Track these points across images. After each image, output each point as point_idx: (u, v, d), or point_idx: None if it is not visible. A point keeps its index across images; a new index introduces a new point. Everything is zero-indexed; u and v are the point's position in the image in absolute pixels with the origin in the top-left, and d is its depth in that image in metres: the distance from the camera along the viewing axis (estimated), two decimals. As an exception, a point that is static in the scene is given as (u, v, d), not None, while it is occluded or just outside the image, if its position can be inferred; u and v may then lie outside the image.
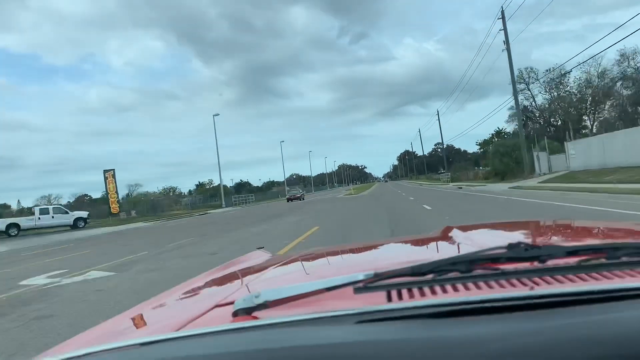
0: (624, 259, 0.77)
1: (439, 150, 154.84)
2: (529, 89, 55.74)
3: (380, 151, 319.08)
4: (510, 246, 0.82)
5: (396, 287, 0.80)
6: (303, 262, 1.47)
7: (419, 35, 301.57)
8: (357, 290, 0.76)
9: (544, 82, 52.14)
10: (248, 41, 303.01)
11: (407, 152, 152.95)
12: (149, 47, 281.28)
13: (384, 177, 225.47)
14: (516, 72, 39.11)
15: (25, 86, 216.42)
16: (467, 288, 0.79)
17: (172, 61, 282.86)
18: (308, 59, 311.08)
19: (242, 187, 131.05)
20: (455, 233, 1.58)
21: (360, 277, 0.79)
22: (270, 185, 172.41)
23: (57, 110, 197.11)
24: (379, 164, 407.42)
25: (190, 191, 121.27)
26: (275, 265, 1.41)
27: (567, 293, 0.66)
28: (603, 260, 0.78)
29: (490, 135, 70.81)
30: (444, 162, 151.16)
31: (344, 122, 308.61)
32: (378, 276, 0.79)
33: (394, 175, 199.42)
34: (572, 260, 0.80)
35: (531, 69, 54.69)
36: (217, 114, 55.81)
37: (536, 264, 0.81)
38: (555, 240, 1.34)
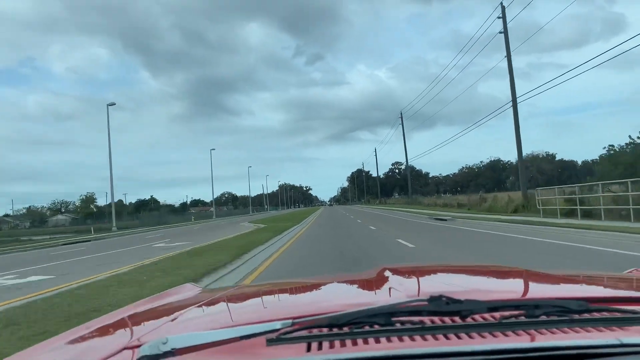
0: (543, 317, 0.80)
1: (397, 171, 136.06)
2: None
3: (327, 175, 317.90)
4: (432, 299, 0.82)
5: (312, 339, 0.78)
6: (228, 302, 1.44)
7: (372, 62, 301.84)
8: (270, 342, 0.75)
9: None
10: (200, 55, 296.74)
11: (359, 172, 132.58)
12: (93, 54, 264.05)
13: (330, 201, 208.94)
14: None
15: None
16: (389, 340, 0.78)
17: (118, 70, 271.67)
18: (261, 77, 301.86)
19: (145, 206, 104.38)
20: (389, 275, 1.56)
21: (277, 325, 0.79)
22: (195, 203, 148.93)
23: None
24: (326, 188, 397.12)
25: (66, 207, 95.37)
26: (199, 304, 1.36)
27: (485, 351, 0.67)
28: (522, 319, 0.80)
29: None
30: (402, 184, 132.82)
31: (294, 144, 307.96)
32: (295, 325, 0.78)
33: (342, 199, 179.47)
34: (493, 317, 0.83)
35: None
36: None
37: (457, 319, 0.82)
38: (484, 292, 1.31)
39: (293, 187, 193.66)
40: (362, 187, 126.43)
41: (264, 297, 1.57)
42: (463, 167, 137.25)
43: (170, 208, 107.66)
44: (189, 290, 1.80)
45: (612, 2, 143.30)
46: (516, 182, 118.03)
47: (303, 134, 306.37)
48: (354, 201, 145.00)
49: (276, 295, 1.59)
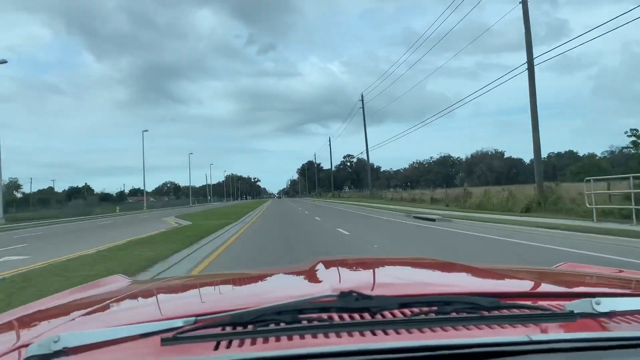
0: (454, 314, 0.81)
1: (349, 164, 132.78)
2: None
3: (277, 167, 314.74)
4: (342, 295, 0.80)
5: (210, 338, 0.75)
6: (145, 296, 1.42)
7: (325, 55, 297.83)
8: (164, 342, 0.72)
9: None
10: (148, 39, 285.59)
11: (310, 164, 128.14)
12: (33, 34, 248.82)
13: (278, 193, 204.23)
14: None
15: None
16: (290, 339, 0.76)
17: (60, 52, 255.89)
18: (211, 65, 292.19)
19: (77, 195, 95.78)
20: (319, 269, 1.56)
21: (179, 323, 0.77)
22: (134, 193, 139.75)
23: None
24: (276, 180, 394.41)
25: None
26: (116, 298, 1.33)
27: (390, 349, 0.67)
28: (433, 316, 0.80)
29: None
30: (353, 178, 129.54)
31: (244, 134, 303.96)
32: (198, 323, 0.76)
33: (291, 191, 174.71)
34: (403, 313, 0.83)
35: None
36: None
37: (367, 315, 0.81)
38: (401, 286, 1.32)
39: (240, 178, 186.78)
40: (314, 179, 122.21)
41: (183, 291, 1.55)
42: (414, 162, 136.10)
43: (102, 197, 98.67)
44: (117, 282, 1.80)
45: (556, 8, 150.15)
46: (466, 178, 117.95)
47: (253, 125, 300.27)
48: (304, 194, 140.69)
49: (196, 289, 1.57)
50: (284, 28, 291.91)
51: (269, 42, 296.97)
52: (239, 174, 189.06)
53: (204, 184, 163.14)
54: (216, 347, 0.75)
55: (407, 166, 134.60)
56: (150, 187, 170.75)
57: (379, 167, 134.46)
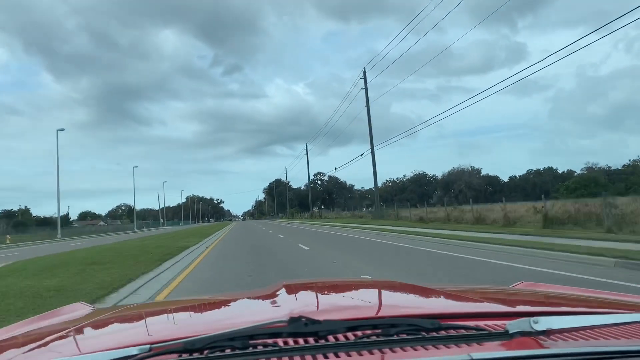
0: (397, 336, 0.84)
1: (319, 182, 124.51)
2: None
3: (242, 189, 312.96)
4: (292, 320, 0.83)
5: None
6: (104, 324, 1.43)
7: (290, 76, 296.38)
8: None
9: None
10: (109, 59, 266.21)
11: (278, 182, 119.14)
12: None
13: (243, 215, 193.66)
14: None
15: None
16: None
17: (17, 72, 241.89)
18: (175, 86, 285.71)
19: (10, 218, 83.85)
20: (280, 293, 1.58)
21: (134, 351, 0.78)
22: (84, 216, 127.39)
23: None
24: (240, 202, 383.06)
25: None
26: (75, 327, 1.34)
27: None
28: (378, 338, 0.84)
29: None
30: (324, 197, 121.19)
31: (208, 156, 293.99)
32: (153, 351, 0.78)
33: (257, 213, 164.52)
34: (351, 336, 0.86)
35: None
36: None
37: (317, 339, 0.85)
38: (350, 309, 1.37)
39: (201, 199, 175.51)
40: (281, 199, 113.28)
41: (142, 319, 1.55)
42: (386, 181, 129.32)
43: (41, 221, 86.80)
44: (79, 309, 1.79)
45: (515, 32, 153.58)
46: (443, 196, 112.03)
47: (217, 146, 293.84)
48: (272, 215, 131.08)
49: (156, 316, 1.60)
50: (249, 49, 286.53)
51: (234, 63, 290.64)
52: (200, 195, 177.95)
53: (167, 205, 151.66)
54: None
55: (379, 185, 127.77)
56: (103, 210, 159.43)
57: (352, 186, 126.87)
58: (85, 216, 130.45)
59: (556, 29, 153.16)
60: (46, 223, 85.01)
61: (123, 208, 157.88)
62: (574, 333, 0.89)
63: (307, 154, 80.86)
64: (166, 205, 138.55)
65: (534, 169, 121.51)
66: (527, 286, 1.85)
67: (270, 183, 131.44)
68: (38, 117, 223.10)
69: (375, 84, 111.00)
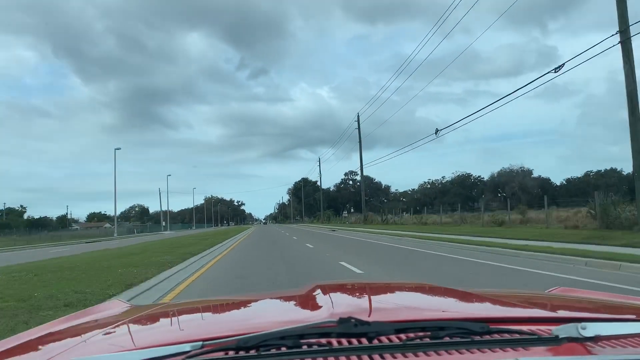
0: (447, 339, 0.85)
1: (351, 182, 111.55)
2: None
3: (265, 193, 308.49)
4: (341, 321, 0.85)
5: None
6: (149, 321, 1.45)
7: (315, 80, 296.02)
8: None
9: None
10: (136, 63, 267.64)
11: (305, 182, 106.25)
12: (18, 55, 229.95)
13: (265, 219, 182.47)
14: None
15: None
16: None
17: (46, 75, 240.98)
18: (201, 89, 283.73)
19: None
20: (317, 294, 1.59)
21: (187, 348, 0.80)
22: (92, 217, 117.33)
23: None
24: (263, 205, 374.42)
25: None
26: (118, 323, 1.36)
27: None
28: (427, 340, 0.84)
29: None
30: (356, 199, 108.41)
31: (232, 160, 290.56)
32: (205, 347, 0.80)
33: (280, 216, 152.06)
34: (399, 338, 0.86)
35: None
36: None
37: (365, 340, 0.85)
38: (396, 311, 1.38)
39: (221, 200, 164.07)
40: (310, 200, 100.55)
41: (186, 315, 1.57)
42: (425, 182, 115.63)
43: (35, 222, 76.03)
44: (116, 307, 1.82)
45: (546, 35, 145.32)
46: (492, 200, 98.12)
47: (241, 150, 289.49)
48: (297, 219, 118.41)
49: (199, 313, 1.61)
50: (275, 53, 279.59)
51: (260, 67, 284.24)
52: (219, 196, 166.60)
53: (184, 207, 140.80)
54: None
55: (415, 187, 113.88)
56: (117, 211, 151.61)
57: (388, 187, 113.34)
58: (93, 217, 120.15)
59: (589, 32, 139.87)
60: (39, 225, 74.41)
61: (136, 209, 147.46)
62: (622, 340, 0.88)
63: (359, 127, 68.44)
64: (185, 207, 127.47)
65: (594, 170, 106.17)
66: (562, 292, 1.85)
67: (295, 182, 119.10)
68: (66, 119, 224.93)
69: (402, 89, 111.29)
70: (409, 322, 0.91)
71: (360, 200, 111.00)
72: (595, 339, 0.82)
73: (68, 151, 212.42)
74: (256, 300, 1.75)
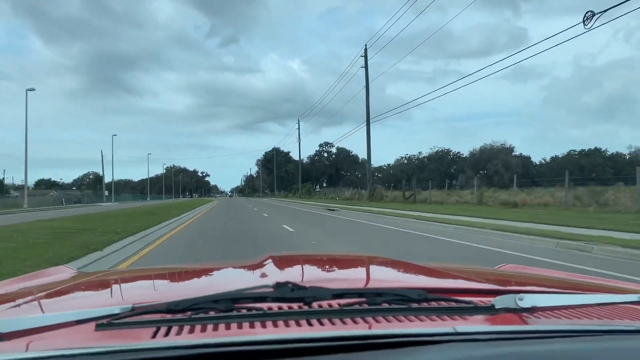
0: (385, 305, 0.85)
1: (326, 154, 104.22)
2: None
3: (233, 165, 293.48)
4: (277, 285, 0.83)
5: (144, 324, 0.77)
6: (87, 287, 1.47)
7: (286, 52, 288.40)
8: (99, 327, 0.73)
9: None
10: (102, 26, 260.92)
11: (276, 152, 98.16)
12: None
13: (231, 191, 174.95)
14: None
15: None
16: (228, 327, 0.79)
17: (4, 35, 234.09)
18: (168, 56, 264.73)
19: None
20: (268, 263, 1.61)
21: (116, 310, 0.78)
22: (39, 184, 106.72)
23: None
24: (229, 178, 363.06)
25: None
26: (60, 287, 1.38)
27: (322, 338, 0.70)
28: (365, 306, 0.84)
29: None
30: (331, 172, 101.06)
31: (199, 130, 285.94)
32: (135, 310, 0.78)
33: (246, 189, 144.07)
34: (336, 304, 0.87)
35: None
36: None
37: (302, 305, 0.85)
38: (338, 280, 1.40)
39: (183, 170, 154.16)
40: (281, 172, 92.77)
41: (128, 283, 1.58)
42: (402, 157, 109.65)
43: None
44: (62, 272, 1.82)
45: (517, 16, 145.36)
46: (473, 177, 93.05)
47: (209, 121, 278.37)
48: (266, 192, 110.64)
49: (141, 281, 1.61)
50: (247, 21, 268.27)
51: (230, 35, 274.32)
52: (182, 166, 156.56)
53: (145, 177, 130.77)
54: (154, 335, 0.77)
55: (391, 162, 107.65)
56: (70, 178, 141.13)
57: (364, 160, 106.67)
58: (40, 184, 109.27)
59: (559, 15, 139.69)
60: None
61: (91, 177, 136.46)
62: (556, 311, 0.92)
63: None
64: (147, 177, 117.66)
65: (578, 149, 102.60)
66: (512, 268, 1.92)
67: (266, 152, 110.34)
68: (27, 82, 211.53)
69: (371, 64, 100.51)
70: (346, 289, 0.91)
71: (336, 172, 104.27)
72: (532, 310, 0.84)
73: (29, 115, 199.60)
74: (205, 269, 1.73)
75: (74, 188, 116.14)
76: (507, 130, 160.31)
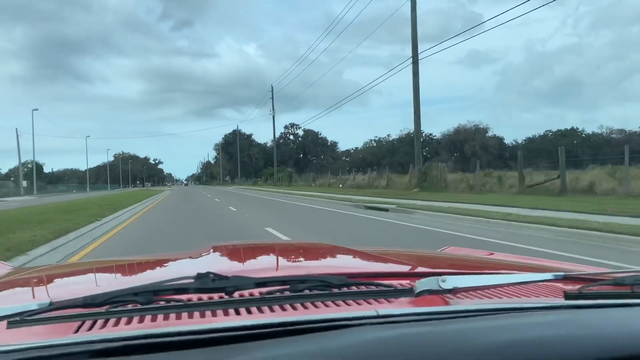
0: (306, 291, 0.86)
1: (292, 137, 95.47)
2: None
3: (188, 153, 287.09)
4: (199, 276, 0.83)
5: (59, 320, 0.75)
6: (16, 283, 1.45)
7: (242, 36, 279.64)
8: (11, 324, 0.71)
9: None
10: (47, 9, 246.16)
11: (236, 135, 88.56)
12: None
13: (187, 179, 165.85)
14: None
15: None
16: (141, 320, 0.79)
17: None
18: (120, 41, 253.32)
19: None
20: (207, 254, 1.60)
21: (34, 306, 0.76)
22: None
23: None
24: (185, 165, 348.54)
25: None
26: None
27: (244, 326, 0.69)
28: (287, 294, 0.84)
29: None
30: (297, 157, 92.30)
31: (153, 117, 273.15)
32: (52, 306, 0.76)
33: (203, 176, 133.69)
34: (257, 293, 0.87)
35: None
36: None
37: (223, 295, 0.85)
38: (263, 269, 1.41)
39: (133, 157, 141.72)
40: (244, 157, 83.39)
41: (58, 278, 1.55)
42: (370, 140, 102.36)
43: None
44: None
45: (473, 1, 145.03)
46: (449, 160, 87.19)
47: (163, 107, 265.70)
48: (225, 180, 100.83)
49: (74, 276, 1.58)
50: (201, 3, 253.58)
51: (184, 18, 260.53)
52: (132, 153, 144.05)
53: (96, 165, 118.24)
54: (77, 330, 0.77)
55: (359, 146, 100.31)
56: (5, 168, 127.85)
57: (335, 143, 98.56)
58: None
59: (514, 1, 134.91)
60: None
61: (29, 166, 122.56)
62: (478, 292, 0.96)
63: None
64: (95, 165, 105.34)
65: (554, 129, 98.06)
66: (453, 250, 1.94)
67: (226, 135, 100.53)
68: None
69: (328, 50, 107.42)
70: (269, 278, 0.91)
71: (303, 156, 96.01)
72: (453, 291, 0.86)
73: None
74: (139, 263, 1.71)
75: (12, 179, 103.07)
76: (462, 116, 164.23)
